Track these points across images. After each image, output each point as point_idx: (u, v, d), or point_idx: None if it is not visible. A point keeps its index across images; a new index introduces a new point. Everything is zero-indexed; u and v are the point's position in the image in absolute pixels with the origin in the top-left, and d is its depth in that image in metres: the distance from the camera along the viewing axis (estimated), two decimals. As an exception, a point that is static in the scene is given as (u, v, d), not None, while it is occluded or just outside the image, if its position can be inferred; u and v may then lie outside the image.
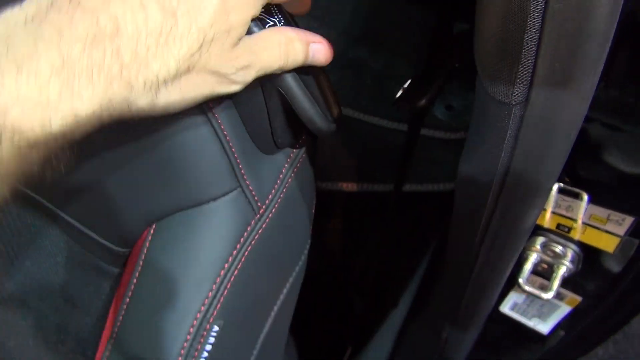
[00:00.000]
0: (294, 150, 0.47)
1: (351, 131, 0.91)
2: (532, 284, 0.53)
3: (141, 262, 0.43)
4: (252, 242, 0.43)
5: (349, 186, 0.89)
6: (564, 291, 0.57)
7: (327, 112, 0.41)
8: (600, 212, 0.43)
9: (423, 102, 0.50)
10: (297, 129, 0.43)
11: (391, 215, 0.88)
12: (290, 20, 0.38)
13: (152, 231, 0.44)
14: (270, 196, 0.44)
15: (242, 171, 0.41)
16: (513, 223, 0.34)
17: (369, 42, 0.99)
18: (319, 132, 0.41)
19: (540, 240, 0.51)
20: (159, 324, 0.42)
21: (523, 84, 0.26)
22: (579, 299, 0.57)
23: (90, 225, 0.48)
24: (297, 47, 0.36)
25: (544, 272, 0.55)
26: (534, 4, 0.23)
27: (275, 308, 0.49)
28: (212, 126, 0.39)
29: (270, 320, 0.49)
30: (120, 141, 0.39)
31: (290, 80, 0.38)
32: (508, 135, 0.29)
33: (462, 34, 0.59)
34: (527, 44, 0.24)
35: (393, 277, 0.96)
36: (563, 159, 0.31)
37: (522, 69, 0.26)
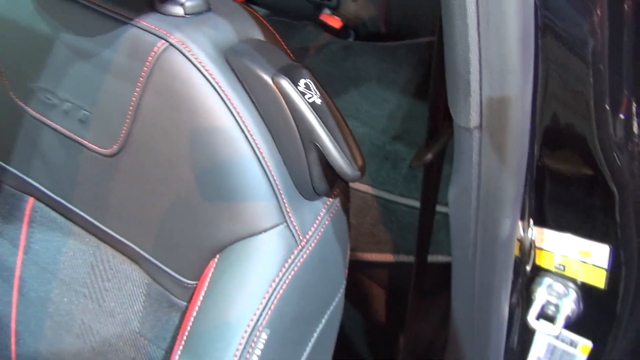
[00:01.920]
0: (330, 199, 0.58)
1: (389, 211, 1.03)
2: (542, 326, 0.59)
3: (205, 287, 0.54)
4: (295, 268, 0.53)
5: (386, 257, 0.99)
6: (575, 337, 0.63)
7: (353, 162, 0.53)
8: (583, 244, 0.51)
9: (429, 156, 0.61)
10: (332, 178, 0.55)
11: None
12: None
13: (216, 260, 0.55)
14: (309, 232, 0.55)
15: (287, 209, 0.53)
16: (492, 232, 0.43)
17: (405, 139, 1.14)
18: (347, 178, 0.53)
19: (543, 281, 0.59)
20: (217, 332, 0.52)
21: (476, 111, 0.37)
22: (590, 344, 0.63)
23: (168, 262, 0.60)
24: None
25: (553, 315, 0.61)
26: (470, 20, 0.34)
27: (315, 335, 0.58)
28: (265, 171, 0.51)
29: (311, 343, 0.58)
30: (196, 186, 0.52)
31: (324, 136, 0.51)
32: (473, 155, 0.40)
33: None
34: (472, 63, 0.35)
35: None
36: (521, 173, 0.40)
37: (473, 94, 0.37)
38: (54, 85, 0.59)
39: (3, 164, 0.69)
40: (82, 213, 0.65)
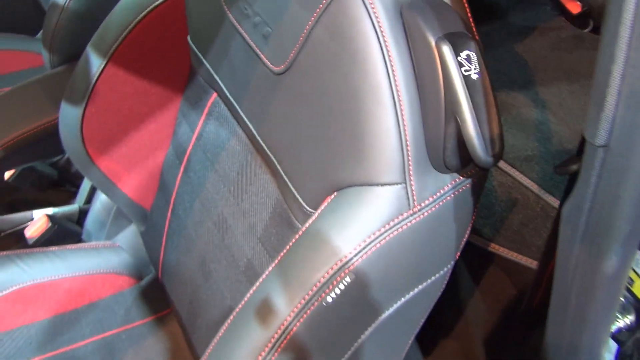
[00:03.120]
0: (460, 177, 0.57)
1: (547, 217, 0.96)
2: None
3: (316, 215, 0.58)
4: (398, 230, 0.54)
5: (528, 261, 0.94)
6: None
7: (490, 147, 0.51)
8: None
9: (575, 167, 0.55)
10: (466, 156, 0.54)
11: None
12: None
13: (332, 196, 0.58)
14: (426, 202, 0.55)
15: (411, 172, 0.53)
16: (594, 263, 0.39)
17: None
18: (478, 161, 0.51)
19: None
20: (307, 263, 0.55)
21: (605, 129, 0.33)
22: None
23: (296, 184, 0.64)
24: None
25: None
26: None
27: (398, 303, 0.59)
28: (400, 128, 0.52)
29: (392, 309, 0.58)
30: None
31: (467, 112, 0.50)
32: (593, 176, 0.36)
33: None
34: (612, 88, 0.31)
35: None
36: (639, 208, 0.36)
37: (607, 110, 0.33)
38: (252, -2, 0.65)
39: (202, 57, 0.79)
40: (246, 119, 0.72)
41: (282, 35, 0.60)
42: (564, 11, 1.29)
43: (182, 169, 0.87)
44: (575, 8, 1.25)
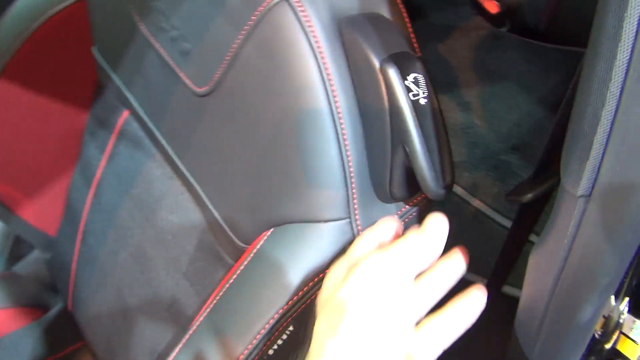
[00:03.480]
0: (406, 206, 0.53)
1: (479, 223, 0.95)
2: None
3: (252, 255, 0.52)
4: (345, 269, 0.49)
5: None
6: None
7: (441, 178, 0.47)
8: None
9: (530, 196, 0.53)
10: (413, 186, 0.49)
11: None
12: None
13: (268, 233, 0.52)
14: None
15: (356, 206, 0.48)
16: (568, 313, 0.36)
17: (523, 153, 1.04)
18: (429, 193, 0.47)
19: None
20: (245, 311, 0.49)
21: (589, 179, 0.30)
22: None
23: (226, 217, 0.58)
24: None
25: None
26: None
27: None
28: (343, 161, 0.47)
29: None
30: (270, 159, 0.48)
31: (417, 142, 0.45)
32: (570, 227, 0.33)
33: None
34: (599, 135, 0.28)
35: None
36: (622, 260, 0.33)
37: (592, 159, 0.29)
38: (169, 9, 0.57)
39: (110, 71, 0.70)
40: (164, 142, 0.64)
41: (204, 53, 0.53)
42: (482, 11, 1.29)
43: (91, 193, 0.77)
44: (493, 8, 1.26)
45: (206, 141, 0.57)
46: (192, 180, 0.61)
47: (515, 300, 0.89)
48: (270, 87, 0.48)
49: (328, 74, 0.46)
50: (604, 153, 0.29)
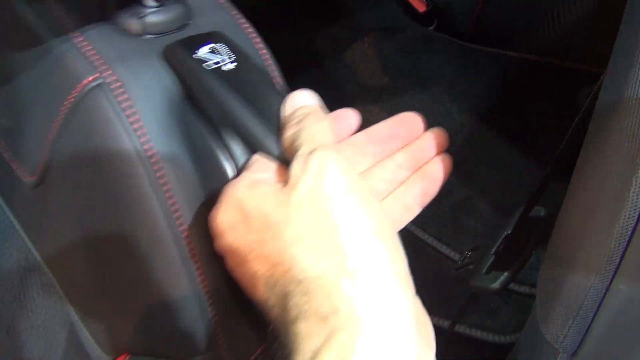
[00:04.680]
0: None
1: (415, 249, 0.87)
2: None
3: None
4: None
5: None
6: None
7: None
8: None
9: (497, 285, 0.46)
10: None
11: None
12: None
13: None
14: None
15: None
16: None
17: (458, 169, 0.96)
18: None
19: None
20: None
21: (574, 338, 0.25)
22: None
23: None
24: None
25: None
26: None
27: None
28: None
29: None
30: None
31: (235, 105, 0.37)
32: None
33: (538, 219, 0.53)
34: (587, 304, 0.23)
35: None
36: None
37: (579, 323, 0.24)
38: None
39: None
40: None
41: (25, 139, 0.43)
42: (409, 10, 1.21)
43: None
44: (421, 6, 1.18)
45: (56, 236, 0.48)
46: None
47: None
48: (91, 186, 0.39)
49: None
50: (594, 316, 0.25)
